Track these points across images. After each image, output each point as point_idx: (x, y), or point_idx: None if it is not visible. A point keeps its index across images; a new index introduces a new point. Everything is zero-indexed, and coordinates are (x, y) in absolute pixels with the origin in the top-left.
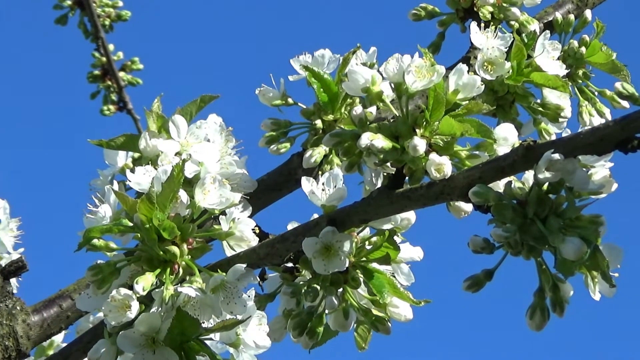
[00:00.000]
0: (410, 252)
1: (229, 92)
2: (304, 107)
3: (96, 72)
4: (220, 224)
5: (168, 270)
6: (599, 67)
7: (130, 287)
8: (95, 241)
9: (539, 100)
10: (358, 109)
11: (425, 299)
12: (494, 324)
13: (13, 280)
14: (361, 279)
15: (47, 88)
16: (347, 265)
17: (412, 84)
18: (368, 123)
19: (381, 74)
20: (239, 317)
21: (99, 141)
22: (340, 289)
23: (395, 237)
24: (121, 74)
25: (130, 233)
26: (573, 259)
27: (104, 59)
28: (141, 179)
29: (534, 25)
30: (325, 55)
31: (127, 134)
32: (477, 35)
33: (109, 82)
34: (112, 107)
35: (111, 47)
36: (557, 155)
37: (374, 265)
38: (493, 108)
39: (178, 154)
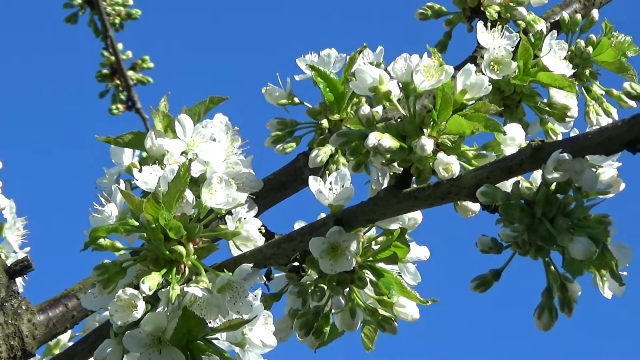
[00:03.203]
0: (417, 251)
1: (235, 91)
2: (310, 106)
3: (105, 70)
4: (226, 223)
5: (174, 270)
6: (606, 67)
7: (136, 287)
8: (101, 241)
9: (545, 100)
10: (365, 109)
11: (432, 297)
12: (501, 324)
13: (19, 280)
14: (367, 279)
15: (55, 87)
16: (354, 265)
17: (420, 83)
18: (375, 123)
19: (388, 73)
20: (245, 317)
21: (107, 138)
22: (347, 289)
23: None
24: (130, 73)
25: (136, 233)
26: (582, 259)
27: (113, 57)
28: (148, 178)
29: (541, 25)
30: (331, 54)
31: (134, 131)
32: (484, 35)
33: (118, 81)
34: (120, 106)
35: (120, 45)
36: (565, 155)
37: (381, 265)
38: (500, 108)
39: (184, 153)
